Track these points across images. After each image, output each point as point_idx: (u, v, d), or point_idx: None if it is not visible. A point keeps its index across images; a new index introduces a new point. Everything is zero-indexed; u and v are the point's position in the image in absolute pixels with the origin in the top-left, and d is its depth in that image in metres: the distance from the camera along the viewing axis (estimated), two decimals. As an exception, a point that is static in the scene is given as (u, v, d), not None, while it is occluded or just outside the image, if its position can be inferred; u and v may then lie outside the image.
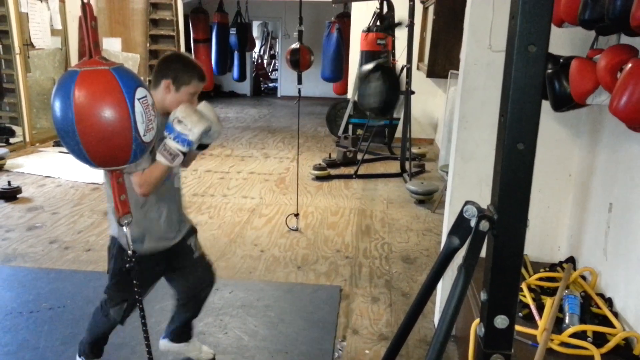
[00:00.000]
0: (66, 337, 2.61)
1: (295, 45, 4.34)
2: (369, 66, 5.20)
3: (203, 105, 1.93)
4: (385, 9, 5.93)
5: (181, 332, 2.38)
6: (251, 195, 5.09)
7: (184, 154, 1.80)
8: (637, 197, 1.82)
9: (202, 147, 1.98)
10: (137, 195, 1.88)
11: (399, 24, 5.65)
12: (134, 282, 1.53)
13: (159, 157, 1.79)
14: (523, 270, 2.22)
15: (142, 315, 1.54)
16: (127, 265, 1.43)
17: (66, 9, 7.21)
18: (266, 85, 14.67)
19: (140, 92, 1.28)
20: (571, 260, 2.27)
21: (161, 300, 2.81)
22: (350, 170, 5.99)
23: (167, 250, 2.09)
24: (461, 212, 1.15)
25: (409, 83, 5.77)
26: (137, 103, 1.26)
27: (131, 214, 1.43)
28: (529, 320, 1.88)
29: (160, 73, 1.93)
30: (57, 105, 1.25)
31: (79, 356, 2.28)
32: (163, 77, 1.92)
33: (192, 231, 2.22)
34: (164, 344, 2.41)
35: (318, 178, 5.69)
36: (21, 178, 5.37)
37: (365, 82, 5.25)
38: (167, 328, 2.41)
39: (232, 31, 10.11)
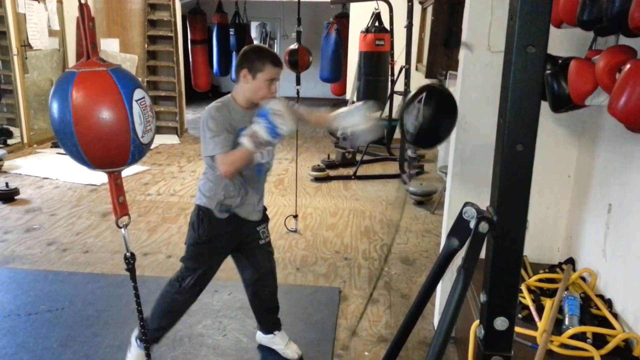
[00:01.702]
0: (64, 339, 2.60)
1: (294, 45, 4.34)
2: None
3: (276, 102, 1.95)
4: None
5: (266, 322, 2.51)
6: (250, 196, 5.08)
7: (269, 144, 1.91)
8: (636, 198, 1.82)
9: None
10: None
11: None
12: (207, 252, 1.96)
13: (246, 143, 1.88)
14: (522, 272, 2.22)
15: (141, 317, 1.53)
16: (126, 268, 1.43)
17: (64, 9, 7.20)
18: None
19: (138, 94, 1.28)
20: (570, 261, 2.27)
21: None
22: (349, 171, 5.99)
23: (241, 229, 2.24)
24: (460, 213, 1.14)
25: (407, 84, 5.77)
26: (135, 104, 1.26)
27: (129, 216, 1.43)
28: (529, 322, 1.88)
29: (238, 66, 2.08)
30: (55, 107, 1.24)
31: (137, 340, 2.29)
32: (240, 68, 2.07)
33: (265, 219, 2.35)
34: (257, 335, 2.57)
35: (317, 179, 5.69)
36: (19, 179, 5.36)
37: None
38: (256, 319, 2.54)
39: (231, 32, 10.09)
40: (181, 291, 2.23)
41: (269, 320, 2.50)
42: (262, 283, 2.39)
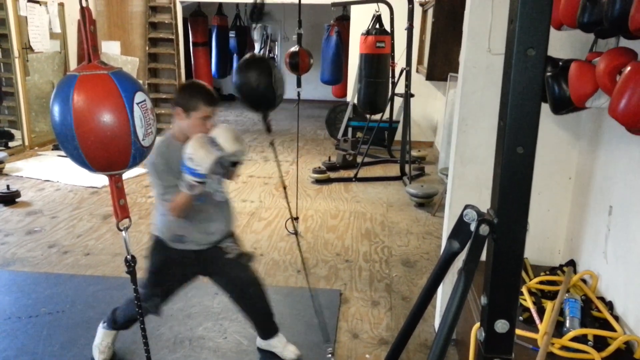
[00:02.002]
0: (65, 341, 2.60)
1: (295, 48, 4.35)
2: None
3: (221, 130, 2.06)
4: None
5: (260, 329, 2.53)
6: (250, 198, 5.09)
7: (202, 182, 1.98)
8: (637, 200, 1.82)
9: (234, 164, 2.20)
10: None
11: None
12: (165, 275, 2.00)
13: (182, 187, 2.00)
14: (523, 274, 2.22)
15: (141, 320, 1.53)
16: (127, 271, 1.43)
17: (65, 12, 7.21)
18: (266, 88, 14.66)
19: (139, 97, 1.28)
20: (571, 263, 2.27)
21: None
22: (350, 173, 5.99)
23: (199, 255, 2.25)
24: (461, 216, 1.14)
25: (408, 86, 5.77)
26: (136, 107, 1.26)
27: (130, 219, 1.43)
28: (530, 324, 1.88)
29: (175, 103, 2.14)
30: (56, 110, 1.25)
31: (107, 325, 2.44)
32: (176, 105, 2.12)
33: (228, 235, 2.34)
34: (257, 340, 2.59)
35: (318, 181, 5.69)
36: (20, 182, 5.37)
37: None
38: (253, 327, 2.55)
39: (232, 34, 10.12)
40: (147, 308, 2.27)
41: (265, 326, 2.51)
42: (246, 295, 2.39)
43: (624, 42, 1.71)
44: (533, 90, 1.01)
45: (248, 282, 2.37)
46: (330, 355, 2.54)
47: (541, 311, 1.89)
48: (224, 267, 2.31)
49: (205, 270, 2.34)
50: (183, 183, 1.99)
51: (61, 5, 7.11)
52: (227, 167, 2.21)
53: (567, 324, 1.78)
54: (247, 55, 2.75)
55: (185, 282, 2.36)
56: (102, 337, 2.45)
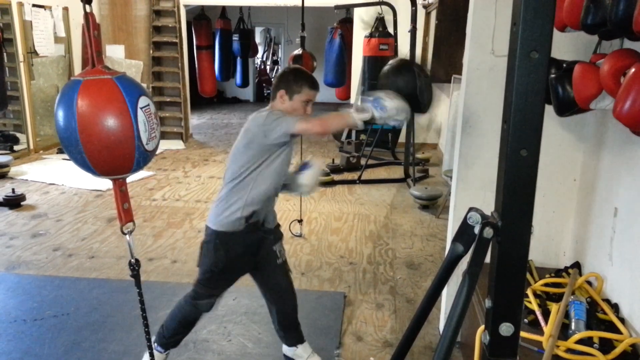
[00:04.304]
0: (70, 344, 2.61)
1: (298, 51, 4.36)
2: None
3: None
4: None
5: (285, 337, 2.49)
6: (254, 201, 5.08)
7: (370, 119, 1.96)
8: (642, 201, 1.81)
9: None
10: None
11: None
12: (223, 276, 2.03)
13: (353, 111, 1.98)
14: (528, 276, 2.21)
15: (146, 323, 1.54)
16: (131, 274, 1.43)
17: (69, 16, 7.25)
18: (269, 91, 14.68)
19: (142, 101, 1.28)
20: (577, 265, 2.26)
21: (165, 307, 2.80)
22: (353, 175, 5.99)
23: (257, 248, 2.23)
24: (465, 218, 1.14)
25: (411, 88, 5.76)
26: (139, 112, 1.27)
27: (134, 223, 1.43)
28: (535, 327, 1.87)
29: (276, 86, 2.15)
30: (61, 115, 1.25)
31: (159, 345, 2.35)
32: (278, 89, 2.13)
33: (280, 236, 2.34)
34: (283, 347, 2.55)
35: (321, 184, 5.69)
36: (25, 185, 5.39)
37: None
38: (277, 333, 2.51)
39: (235, 37, 10.14)
40: (197, 310, 2.27)
41: (291, 335, 2.50)
42: (282, 302, 2.39)
43: (628, 44, 1.70)
44: (537, 92, 1.00)
45: (287, 290, 2.38)
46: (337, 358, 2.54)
47: (546, 313, 1.89)
48: (273, 271, 2.31)
49: (257, 267, 2.30)
50: (359, 105, 1.96)
51: (65, 9, 7.15)
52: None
53: (573, 327, 1.78)
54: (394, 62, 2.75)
55: (239, 276, 2.33)
56: None
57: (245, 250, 2.20)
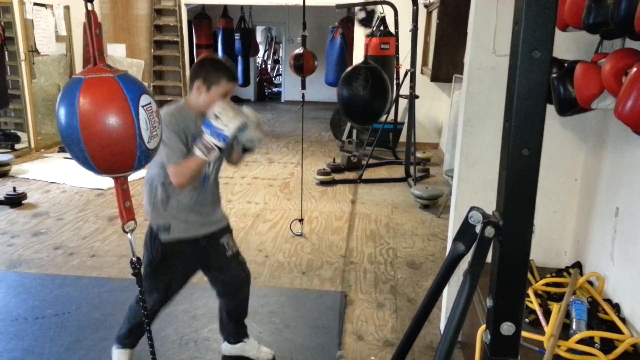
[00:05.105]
0: (71, 343, 2.61)
1: (299, 50, 4.35)
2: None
3: (246, 108, 2.05)
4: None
5: (235, 332, 2.46)
6: (255, 200, 5.09)
7: (220, 149, 1.91)
8: (643, 201, 1.81)
9: (246, 150, 2.13)
10: (166, 186, 2.06)
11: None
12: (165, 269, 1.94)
13: (196, 151, 1.91)
14: (529, 276, 2.21)
15: (147, 322, 1.54)
16: (132, 273, 1.43)
17: (71, 15, 7.25)
18: (270, 90, 14.69)
19: (144, 99, 1.28)
20: (578, 265, 2.26)
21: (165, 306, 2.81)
22: (354, 174, 5.99)
23: (199, 247, 2.18)
24: (466, 218, 1.14)
25: (413, 87, 5.77)
26: (141, 110, 1.26)
27: (135, 221, 1.43)
28: (536, 326, 1.87)
29: (193, 75, 2.04)
30: (62, 113, 1.25)
31: (117, 344, 2.35)
32: (195, 78, 2.03)
33: (226, 230, 2.29)
34: (224, 347, 2.51)
35: (322, 183, 5.68)
36: (26, 184, 5.40)
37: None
38: (221, 331, 2.49)
39: (236, 36, 10.15)
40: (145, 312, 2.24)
41: (238, 329, 2.45)
42: (238, 295, 2.35)
43: (629, 43, 1.70)
44: (538, 91, 1.00)
45: (245, 282, 2.34)
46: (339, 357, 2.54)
47: (547, 313, 1.89)
48: (226, 264, 2.26)
49: (207, 264, 2.27)
50: (199, 145, 1.89)
51: (67, 8, 7.15)
52: (238, 149, 2.13)
53: (574, 326, 1.77)
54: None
55: (187, 276, 2.27)
56: (116, 358, 2.35)
57: (184, 244, 2.15)
